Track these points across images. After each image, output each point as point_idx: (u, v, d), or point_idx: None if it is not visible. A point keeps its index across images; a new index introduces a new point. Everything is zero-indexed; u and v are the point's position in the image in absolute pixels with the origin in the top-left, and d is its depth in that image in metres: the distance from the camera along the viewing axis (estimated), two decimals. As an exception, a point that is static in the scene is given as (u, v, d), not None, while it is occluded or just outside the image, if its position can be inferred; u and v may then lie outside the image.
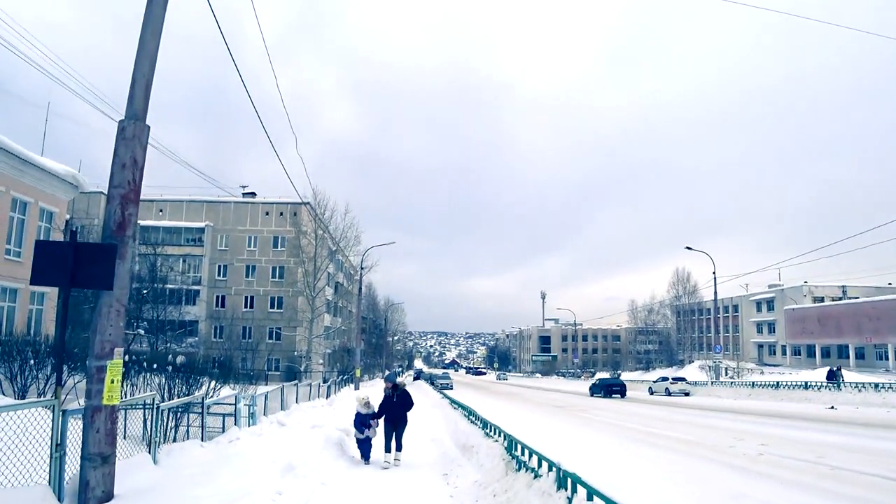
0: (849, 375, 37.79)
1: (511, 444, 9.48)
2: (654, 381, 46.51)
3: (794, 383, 35.10)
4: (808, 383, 33.97)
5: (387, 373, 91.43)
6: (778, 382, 36.34)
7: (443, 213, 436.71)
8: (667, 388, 42.91)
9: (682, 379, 44.64)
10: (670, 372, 76.13)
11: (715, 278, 43.89)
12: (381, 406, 12.59)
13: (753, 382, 39.90)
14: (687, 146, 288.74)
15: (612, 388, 43.74)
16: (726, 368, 59.75)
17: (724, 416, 24.23)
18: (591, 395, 44.11)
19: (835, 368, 37.37)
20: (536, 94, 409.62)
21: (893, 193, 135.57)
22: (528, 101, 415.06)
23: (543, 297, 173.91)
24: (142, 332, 45.15)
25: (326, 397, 28.51)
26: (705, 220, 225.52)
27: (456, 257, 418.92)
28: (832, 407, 26.71)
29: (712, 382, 42.56)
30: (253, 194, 59.92)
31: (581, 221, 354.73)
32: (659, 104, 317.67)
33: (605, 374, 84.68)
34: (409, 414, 12.68)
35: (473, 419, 15.51)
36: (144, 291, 47.14)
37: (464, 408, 18.69)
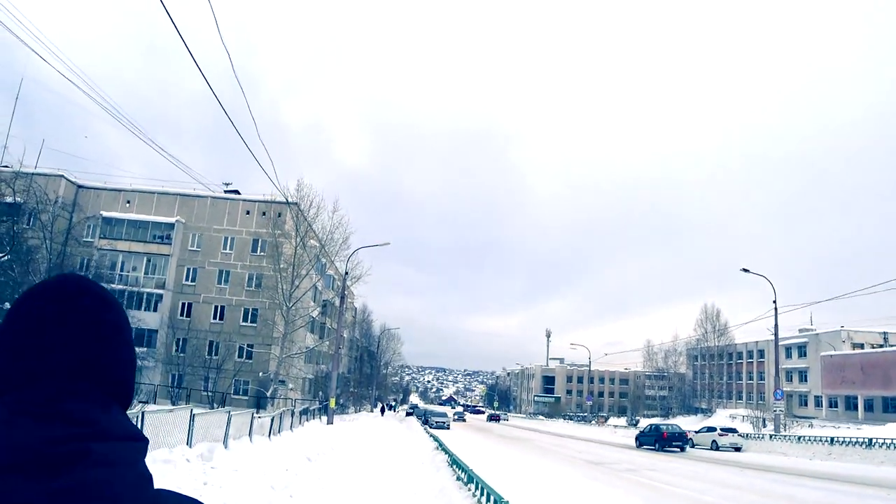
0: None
1: None
2: (697, 432, 38.64)
3: (888, 441, 27.25)
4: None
5: (379, 405, 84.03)
6: (871, 440, 28.37)
7: (450, 250, 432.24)
8: (714, 441, 35.10)
9: (734, 430, 36.72)
10: (692, 421, 68.17)
11: (776, 307, 36.37)
12: None
13: (809, 437, 32.24)
14: (696, 196, 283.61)
15: (670, 440, 34.03)
16: (763, 420, 51.84)
17: (831, 485, 17.71)
18: (639, 447, 35.82)
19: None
20: (549, 138, 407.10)
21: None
22: (540, 147, 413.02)
23: (548, 336, 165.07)
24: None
25: (269, 434, 20.33)
26: (717, 268, 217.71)
27: (460, 295, 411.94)
28: None
29: (771, 436, 34.63)
30: (236, 192, 52.53)
31: (586, 266, 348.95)
32: (670, 154, 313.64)
33: (655, 421, 75.90)
34: None
35: None
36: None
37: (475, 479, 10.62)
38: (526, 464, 21.38)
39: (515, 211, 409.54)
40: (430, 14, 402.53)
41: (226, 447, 13.20)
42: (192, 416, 12.71)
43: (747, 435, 36.73)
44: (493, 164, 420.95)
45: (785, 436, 34.33)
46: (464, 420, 79.24)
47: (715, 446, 34.87)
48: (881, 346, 68.93)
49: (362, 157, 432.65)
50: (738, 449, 34.40)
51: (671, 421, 72.10)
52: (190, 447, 11.73)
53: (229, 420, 14.10)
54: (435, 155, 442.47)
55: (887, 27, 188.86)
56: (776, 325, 37.12)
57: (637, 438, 38.47)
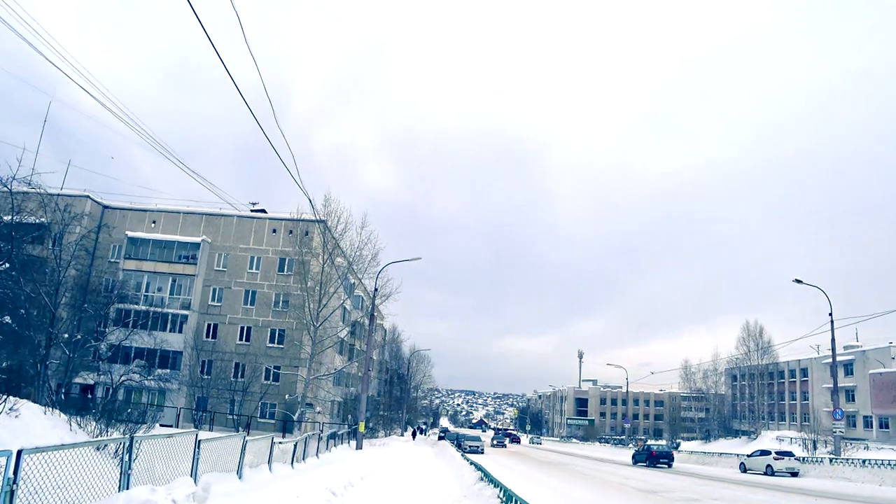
0: None
1: None
2: (750, 456, 36.36)
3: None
4: None
5: (409, 429, 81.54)
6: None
7: (479, 271, 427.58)
8: (769, 466, 32.90)
9: (790, 453, 34.36)
10: (735, 444, 65.25)
11: (832, 321, 34.03)
12: None
13: (875, 461, 29.73)
14: (727, 209, 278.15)
15: (658, 457, 42.35)
16: (814, 442, 48.99)
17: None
18: (634, 464, 42.86)
19: None
20: (577, 155, 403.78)
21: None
22: (568, 161, 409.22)
23: (581, 357, 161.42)
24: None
25: (291, 461, 18.80)
26: (752, 285, 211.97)
27: (488, 316, 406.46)
28: None
29: (831, 460, 32.18)
30: (263, 211, 51.63)
31: (618, 284, 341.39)
32: (704, 166, 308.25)
33: (657, 442, 73.92)
34: None
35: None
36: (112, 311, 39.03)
37: None
38: (576, 495, 19.57)
39: (543, 229, 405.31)
40: (453, 34, 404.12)
41: (240, 477, 11.69)
42: (198, 443, 11.11)
43: (804, 459, 34.30)
44: (520, 182, 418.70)
45: (847, 459, 31.86)
46: (504, 446, 71.07)
47: (770, 471, 32.66)
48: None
49: (388, 180, 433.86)
50: (794, 474, 32.19)
51: (711, 445, 69.29)
52: (195, 480, 10.22)
53: (244, 446, 12.52)
54: (460, 175, 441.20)
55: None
56: (833, 340, 34.78)
57: (633, 457, 45.16)
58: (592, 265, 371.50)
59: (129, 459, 9.08)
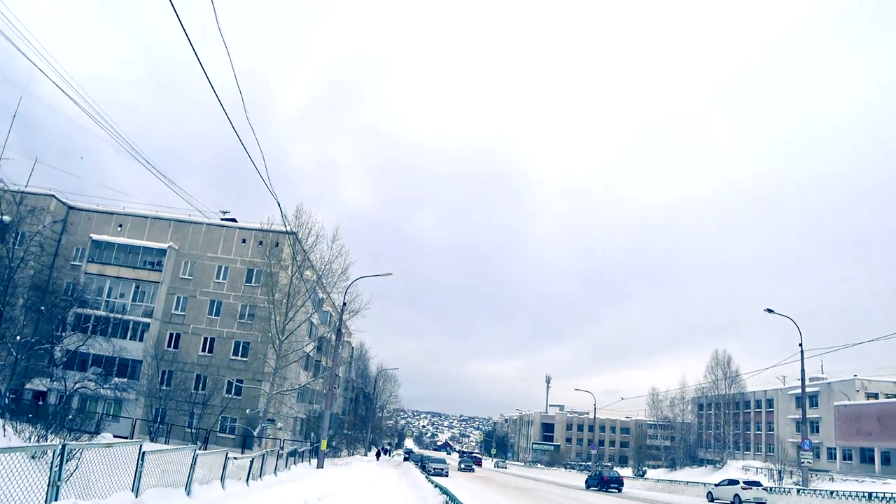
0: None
1: None
2: (717, 485, 36.00)
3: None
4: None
5: (374, 449, 79.62)
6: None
7: (451, 293, 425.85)
8: (737, 495, 32.57)
9: (758, 483, 34.09)
10: (701, 473, 65.18)
11: (802, 351, 33.89)
12: None
13: (843, 492, 29.51)
14: (700, 245, 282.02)
15: (609, 482, 45.17)
16: (780, 472, 48.92)
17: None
18: (587, 488, 45.50)
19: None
20: (558, 185, 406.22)
21: None
22: (548, 191, 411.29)
23: (548, 381, 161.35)
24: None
25: (247, 479, 17.80)
26: (720, 317, 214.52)
27: (459, 338, 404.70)
28: None
29: (799, 490, 31.89)
30: (233, 220, 50.41)
31: (590, 313, 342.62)
32: (678, 201, 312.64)
33: (623, 469, 73.55)
34: None
35: None
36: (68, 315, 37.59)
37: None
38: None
39: (518, 255, 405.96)
40: (440, 55, 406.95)
41: (188, 494, 10.80)
42: (142, 454, 10.16)
43: (771, 489, 34.00)
44: (499, 207, 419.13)
45: (815, 490, 31.61)
46: (472, 470, 66.09)
47: (738, 500, 32.37)
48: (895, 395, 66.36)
49: (366, 197, 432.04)
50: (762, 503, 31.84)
51: (677, 474, 69.05)
52: (136, 494, 9.32)
53: (195, 460, 11.59)
54: (440, 196, 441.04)
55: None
56: (802, 370, 34.59)
57: (586, 482, 48.23)
58: (565, 293, 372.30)
59: (60, 469, 8.21)
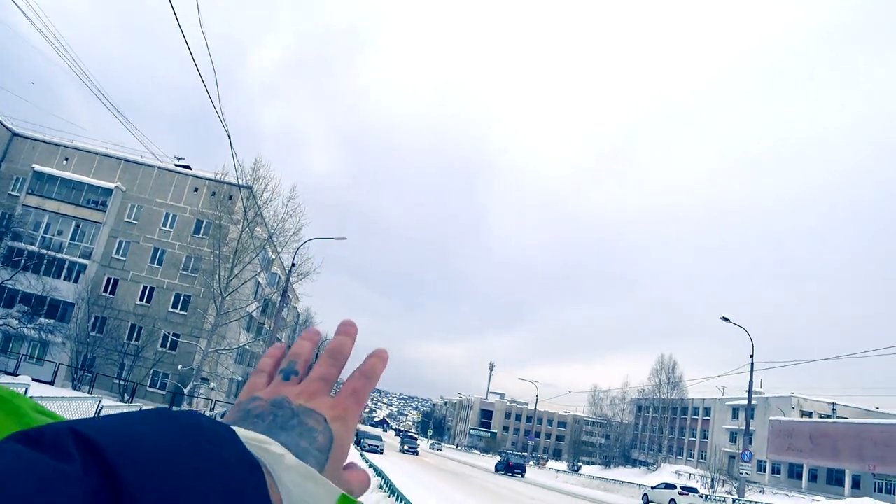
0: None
1: None
2: (654, 488, 35.60)
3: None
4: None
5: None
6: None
7: (404, 273, 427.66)
8: (672, 500, 32.11)
9: (694, 490, 33.75)
10: (635, 474, 65.53)
11: (752, 363, 33.65)
12: None
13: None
14: (661, 249, 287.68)
15: (514, 468, 48.66)
16: (713, 480, 49.32)
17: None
18: (496, 472, 49.28)
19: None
20: (523, 180, 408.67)
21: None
22: (512, 185, 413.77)
23: (491, 368, 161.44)
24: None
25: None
26: (677, 322, 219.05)
27: (407, 317, 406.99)
28: None
29: (734, 500, 31.74)
30: (188, 167, 47.82)
31: (541, 307, 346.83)
32: (641, 209, 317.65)
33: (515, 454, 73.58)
34: None
35: None
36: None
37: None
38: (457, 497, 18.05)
39: (474, 244, 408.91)
40: (417, 37, 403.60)
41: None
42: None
43: (707, 497, 33.84)
44: (461, 195, 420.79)
45: (750, 502, 31.48)
46: (416, 453, 58.39)
47: (673, 506, 31.98)
48: (829, 416, 67.76)
49: (332, 166, 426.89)
50: (698, 511, 31.60)
51: (611, 472, 69.33)
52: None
53: (98, 414, 10.14)
54: (402, 176, 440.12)
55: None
56: (751, 381, 34.38)
57: (495, 466, 52.66)
58: (517, 285, 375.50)
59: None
